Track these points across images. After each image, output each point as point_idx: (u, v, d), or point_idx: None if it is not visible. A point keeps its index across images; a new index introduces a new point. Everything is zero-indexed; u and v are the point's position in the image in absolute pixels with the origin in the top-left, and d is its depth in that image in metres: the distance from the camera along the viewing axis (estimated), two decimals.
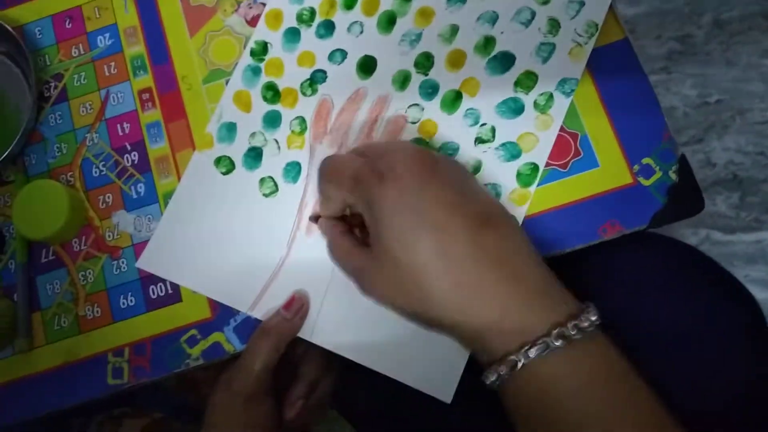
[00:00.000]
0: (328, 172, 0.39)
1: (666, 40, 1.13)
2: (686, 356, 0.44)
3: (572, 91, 0.45)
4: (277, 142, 0.48)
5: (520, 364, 0.32)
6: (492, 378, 0.33)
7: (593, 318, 0.33)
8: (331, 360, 0.47)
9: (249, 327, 0.45)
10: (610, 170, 0.44)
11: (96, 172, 0.48)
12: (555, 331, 0.32)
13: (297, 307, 0.43)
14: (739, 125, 1.10)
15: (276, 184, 0.47)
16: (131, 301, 0.46)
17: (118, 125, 0.49)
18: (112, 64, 0.50)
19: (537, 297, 0.33)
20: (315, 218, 0.45)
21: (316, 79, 0.48)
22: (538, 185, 0.44)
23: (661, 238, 0.49)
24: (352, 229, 0.41)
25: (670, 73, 1.10)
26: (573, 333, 0.32)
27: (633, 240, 0.45)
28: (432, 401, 0.50)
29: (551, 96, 0.45)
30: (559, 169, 0.45)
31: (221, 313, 0.45)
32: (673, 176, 0.44)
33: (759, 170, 1.08)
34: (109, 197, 0.48)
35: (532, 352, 0.32)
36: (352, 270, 0.39)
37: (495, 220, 0.35)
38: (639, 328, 0.43)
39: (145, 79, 0.49)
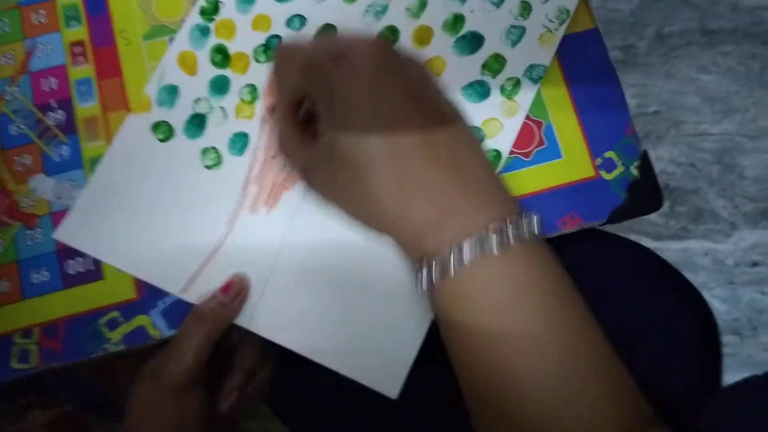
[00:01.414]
0: (283, 53, 0.36)
1: (610, 48, 1.15)
2: (637, 356, 0.43)
3: (540, 78, 0.43)
4: (223, 110, 0.44)
5: (453, 265, 0.30)
6: (423, 280, 0.31)
7: (533, 225, 0.31)
8: (269, 350, 0.43)
9: (180, 311, 0.41)
10: (573, 162, 0.43)
11: (14, 130, 0.43)
12: (492, 228, 0.30)
13: (236, 291, 0.40)
14: (674, 136, 1.13)
15: (220, 156, 0.43)
16: (45, 276, 0.41)
17: (43, 79, 0.43)
18: (42, 11, 0.44)
19: (479, 195, 0.32)
20: (271, 109, 0.41)
21: (271, 45, 0.44)
22: (500, 173, 0.42)
23: (615, 237, 0.48)
24: (305, 125, 0.37)
25: None
26: (510, 235, 0.30)
27: (587, 237, 0.44)
28: (371, 400, 0.47)
29: (518, 81, 0.43)
30: (522, 157, 0.43)
31: (148, 294, 0.41)
32: (635, 172, 0.43)
33: (689, 181, 1.12)
34: (27, 159, 0.42)
35: (466, 250, 0.30)
36: (298, 164, 0.36)
37: (449, 121, 0.33)
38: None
39: (79, 31, 0.44)
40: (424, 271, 0.31)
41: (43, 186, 0.42)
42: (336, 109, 0.32)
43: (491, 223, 0.30)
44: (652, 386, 0.42)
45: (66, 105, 0.43)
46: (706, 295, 0.87)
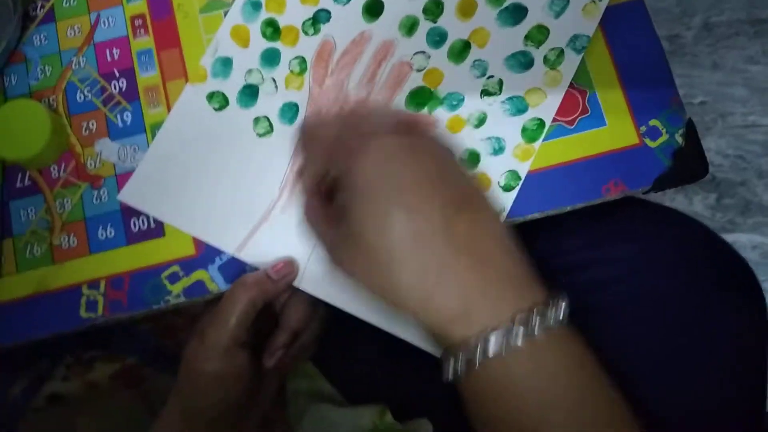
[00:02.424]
0: (308, 135, 0.38)
1: None
2: (675, 323, 0.44)
3: (583, 48, 0.44)
4: (274, 81, 0.46)
5: (477, 358, 0.30)
6: (449, 371, 0.32)
7: (560, 311, 0.31)
8: (316, 309, 0.45)
9: (235, 267, 0.43)
10: (616, 130, 0.43)
11: (80, 98, 0.45)
12: (517, 321, 0.30)
13: (285, 273, 0.42)
14: (721, 128, 1.11)
15: (271, 125, 0.45)
16: (110, 233, 0.43)
17: (108, 50, 0.46)
18: None
19: (503, 285, 0.32)
20: (300, 172, 0.43)
21: (320, 18, 0.46)
22: (543, 141, 0.43)
23: (664, 208, 0.49)
24: (330, 198, 0.38)
25: None
26: (536, 325, 0.30)
27: (637, 205, 0.45)
28: (416, 366, 0.49)
29: (562, 52, 0.44)
30: (565, 125, 0.43)
31: (206, 251, 0.43)
32: (680, 140, 0.43)
33: (737, 173, 1.09)
34: (93, 124, 0.45)
35: (492, 343, 0.30)
36: (321, 241, 0.37)
37: (471, 205, 0.33)
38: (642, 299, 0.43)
39: (139, 5, 0.47)
40: (451, 361, 0.31)
41: (108, 149, 0.45)
42: (357, 198, 0.32)
43: (518, 314, 0.30)
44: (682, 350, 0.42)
45: (128, 74, 0.46)
46: None
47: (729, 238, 1.06)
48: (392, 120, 0.35)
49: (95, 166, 0.44)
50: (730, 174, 1.10)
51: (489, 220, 0.33)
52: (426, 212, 0.32)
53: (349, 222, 0.33)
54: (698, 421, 0.42)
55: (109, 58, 0.46)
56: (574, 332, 0.32)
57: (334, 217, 0.35)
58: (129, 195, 0.44)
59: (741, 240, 1.08)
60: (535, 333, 0.30)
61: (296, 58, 0.46)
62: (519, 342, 0.30)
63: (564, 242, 0.48)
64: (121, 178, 0.44)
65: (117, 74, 0.46)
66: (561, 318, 0.31)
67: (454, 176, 0.34)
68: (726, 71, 1.13)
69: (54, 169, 0.44)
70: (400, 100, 0.45)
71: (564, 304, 0.32)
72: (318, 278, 0.43)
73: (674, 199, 1.12)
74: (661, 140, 0.43)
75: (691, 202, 1.11)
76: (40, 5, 0.47)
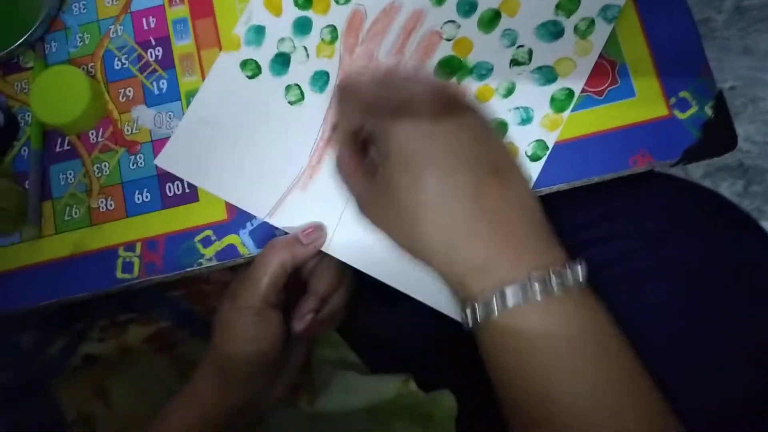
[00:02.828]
0: (348, 89, 0.38)
1: None
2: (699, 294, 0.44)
3: (614, 18, 0.44)
4: (306, 49, 0.46)
5: (496, 308, 0.32)
6: (468, 319, 0.33)
7: (578, 274, 0.32)
8: (344, 274, 0.46)
9: (265, 232, 0.44)
10: (646, 101, 0.43)
11: (118, 65, 0.47)
12: (534, 276, 0.31)
13: (315, 237, 0.42)
14: (751, 113, 1.09)
15: (302, 92, 0.46)
16: (146, 197, 0.44)
17: (144, 19, 0.47)
18: None
19: (524, 245, 0.33)
20: (335, 127, 0.44)
21: None
22: (571, 111, 0.43)
23: (690, 183, 0.48)
24: (364, 148, 0.40)
25: None
26: (553, 284, 0.31)
27: (663, 180, 0.45)
28: (439, 338, 0.49)
29: (593, 21, 0.44)
30: (594, 96, 0.44)
31: (238, 216, 0.44)
32: (709, 112, 0.43)
33: (765, 159, 1.08)
34: (129, 91, 0.46)
35: (509, 295, 0.31)
36: (354, 191, 0.38)
37: (502, 171, 0.34)
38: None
39: None
40: (469, 310, 0.33)
41: (145, 116, 0.46)
42: (393, 155, 0.34)
43: (534, 271, 0.31)
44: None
45: (164, 42, 0.47)
46: None
47: None
48: (428, 86, 0.36)
49: (132, 132, 0.46)
50: (759, 160, 1.09)
51: (518, 186, 0.35)
52: (457, 174, 0.33)
53: (382, 177, 0.34)
54: (720, 399, 0.42)
55: (145, 27, 0.47)
56: (593, 295, 0.33)
57: (366, 168, 0.37)
58: (165, 160, 0.45)
59: None
60: (554, 290, 0.31)
61: (327, 26, 0.46)
62: (537, 296, 0.31)
63: (586, 214, 0.48)
64: (157, 144, 0.45)
65: (153, 42, 0.47)
66: (579, 279, 0.32)
67: (488, 143, 0.35)
68: (758, 56, 1.11)
69: (92, 134, 0.46)
70: (429, 69, 0.45)
71: (582, 266, 0.33)
72: (346, 243, 0.43)
73: (702, 184, 1.10)
74: (690, 112, 0.43)
75: (718, 188, 1.09)
76: None
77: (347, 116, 0.38)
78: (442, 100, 0.35)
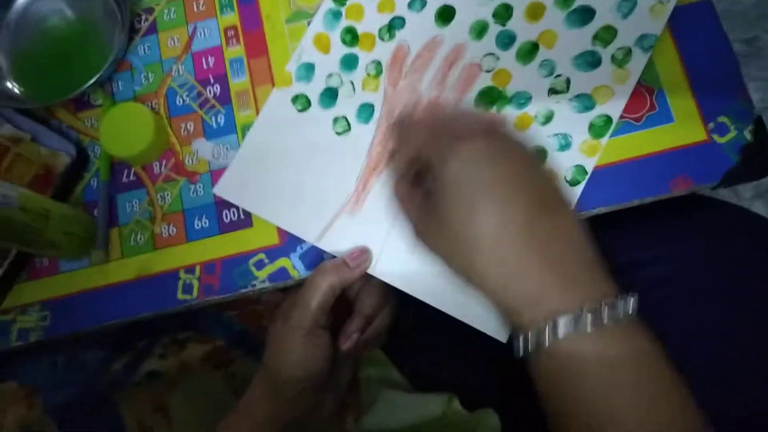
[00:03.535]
0: (407, 120, 0.40)
1: (732, 41, 1.11)
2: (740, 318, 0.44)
3: (651, 47, 0.45)
4: (352, 83, 0.49)
5: (548, 339, 0.32)
6: (519, 348, 0.34)
7: (629, 307, 0.33)
8: (389, 295, 0.48)
9: (314, 256, 0.46)
10: (684, 126, 0.44)
11: (179, 101, 0.50)
12: (586, 308, 0.32)
13: (361, 261, 0.44)
14: None
15: (349, 124, 0.48)
16: (205, 223, 0.48)
17: (203, 58, 0.51)
18: (201, 1, 0.52)
19: (575, 280, 0.34)
20: (392, 154, 0.46)
21: (395, 25, 0.49)
22: (610, 137, 0.45)
23: (736, 207, 0.49)
24: (421, 176, 0.41)
25: None
26: (605, 316, 0.32)
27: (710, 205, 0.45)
28: (483, 358, 0.50)
29: (630, 51, 0.45)
30: (633, 122, 0.45)
31: (289, 240, 0.47)
32: (748, 136, 0.43)
33: None
34: (190, 125, 0.50)
35: (561, 325, 0.32)
36: (408, 217, 0.40)
37: (551, 206, 0.35)
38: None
39: (231, 17, 0.51)
40: (521, 339, 0.34)
41: (204, 148, 0.49)
42: (448, 185, 0.35)
43: (586, 302, 0.32)
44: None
45: (222, 80, 0.50)
46: None
47: None
48: (481, 123, 0.38)
49: (192, 163, 0.49)
50: None
51: (567, 220, 0.35)
52: (509, 210, 0.34)
53: (437, 208, 0.36)
54: (759, 421, 0.42)
55: (204, 66, 0.51)
56: (644, 327, 0.33)
57: (422, 197, 0.38)
58: (222, 189, 0.48)
59: None
60: (604, 321, 0.32)
61: (373, 62, 0.49)
62: (588, 328, 0.32)
63: (632, 238, 0.49)
64: (215, 174, 0.48)
65: (212, 80, 0.50)
66: (630, 311, 0.33)
67: (538, 177, 0.36)
68: None
69: (156, 165, 0.49)
70: (469, 100, 0.47)
71: (633, 299, 0.33)
72: (391, 266, 0.45)
73: (753, 206, 1.09)
74: (729, 136, 0.43)
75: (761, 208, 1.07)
76: (144, 18, 0.53)
77: (406, 146, 0.40)
78: (495, 134, 0.36)
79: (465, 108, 0.45)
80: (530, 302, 0.33)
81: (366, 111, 0.48)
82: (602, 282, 0.34)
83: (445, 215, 0.35)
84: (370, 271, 0.45)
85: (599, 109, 0.45)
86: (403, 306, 0.49)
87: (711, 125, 0.44)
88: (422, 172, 0.39)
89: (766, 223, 0.48)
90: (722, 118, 0.44)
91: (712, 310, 0.45)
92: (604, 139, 0.45)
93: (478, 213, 0.34)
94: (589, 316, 0.32)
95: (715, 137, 0.44)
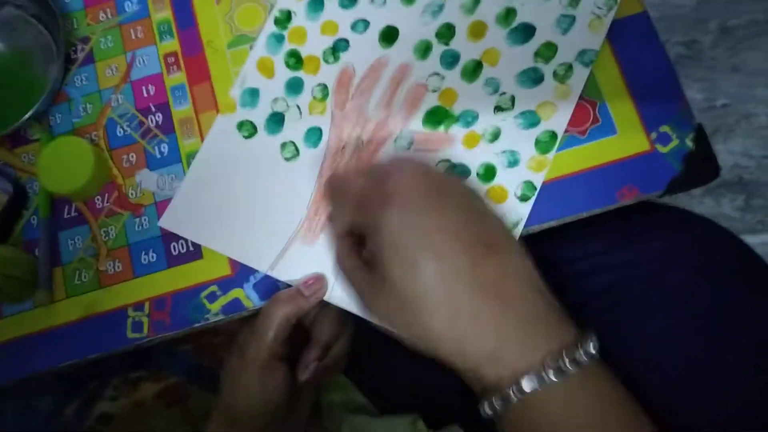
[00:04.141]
0: (334, 192, 0.40)
1: (673, 44, 1.15)
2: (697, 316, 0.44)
3: (591, 61, 0.46)
4: (299, 107, 0.48)
5: (512, 397, 0.32)
6: (486, 410, 0.33)
7: (590, 349, 0.32)
8: (346, 321, 0.47)
9: (268, 285, 0.45)
10: (627, 137, 0.45)
11: (120, 132, 0.49)
12: (547, 362, 0.32)
13: (316, 288, 0.44)
14: (745, 129, 1.11)
15: (297, 149, 0.48)
16: (152, 257, 0.46)
17: (143, 87, 0.50)
18: (139, 28, 0.51)
19: (533, 326, 0.33)
20: (330, 217, 0.45)
21: (339, 47, 0.49)
22: (556, 151, 0.45)
23: (681, 210, 0.49)
24: (361, 243, 0.40)
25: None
26: (568, 365, 0.32)
27: (654, 210, 0.46)
28: (445, 373, 0.50)
29: (570, 66, 0.46)
30: (577, 135, 0.45)
31: (241, 270, 0.46)
32: (690, 144, 0.44)
33: (764, 173, 1.09)
34: (132, 156, 0.48)
35: (525, 385, 0.31)
36: (354, 288, 0.39)
37: (497, 247, 0.34)
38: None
39: (171, 44, 0.50)
40: (487, 404, 0.33)
41: (147, 179, 0.48)
42: (385, 246, 0.34)
43: (548, 356, 0.32)
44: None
45: (164, 108, 0.49)
46: None
47: (760, 239, 1.06)
48: (411, 172, 0.36)
49: (136, 195, 0.48)
50: (757, 174, 1.10)
51: (516, 260, 0.35)
52: (453, 257, 0.33)
53: (380, 270, 0.35)
54: (725, 426, 0.43)
55: (145, 94, 0.49)
56: (606, 367, 0.33)
57: (366, 262, 0.37)
58: (168, 221, 0.47)
59: None
60: (568, 370, 0.31)
61: (318, 85, 0.49)
62: (553, 379, 0.31)
63: (587, 246, 0.49)
64: (161, 206, 0.47)
65: (153, 109, 0.49)
66: (592, 352, 0.32)
67: (479, 218, 0.35)
68: (747, 73, 1.13)
69: (98, 199, 0.48)
70: (417, 120, 0.47)
71: (593, 340, 0.33)
72: (347, 292, 0.45)
73: (702, 203, 1.11)
74: (671, 145, 0.44)
75: (719, 204, 1.10)
76: (80, 47, 0.51)
77: (339, 214, 0.39)
78: (427, 183, 0.35)
79: (395, 158, 0.43)
80: (489, 360, 0.33)
81: (314, 135, 0.48)
82: (560, 322, 0.34)
83: (387, 279, 0.34)
84: (326, 297, 0.45)
85: (544, 125, 0.45)
86: (361, 329, 0.49)
87: (654, 135, 0.45)
88: (363, 237, 0.38)
89: (716, 227, 0.49)
90: (664, 128, 0.45)
91: (673, 315, 0.46)
92: (551, 154, 0.45)
93: (419, 268, 0.33)
94: (551, 371, 0.31)
95: (658, 147, 0.45)
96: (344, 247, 0.39)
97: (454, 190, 0.36)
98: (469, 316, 0.33)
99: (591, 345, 0.33)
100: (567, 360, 0.32)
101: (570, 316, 0.34)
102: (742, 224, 1.08)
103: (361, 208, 0.37)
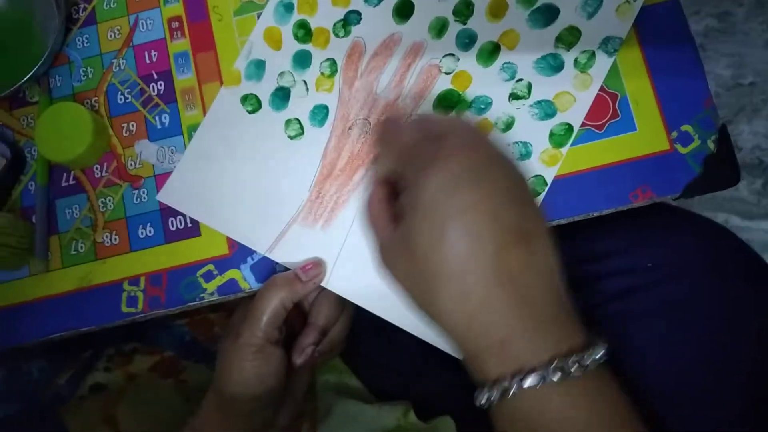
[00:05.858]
0: (385, 136, 0.37)
1: (704, 16, 1.10)
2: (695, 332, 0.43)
3: (616, 50, 0.43)
4: (305, 83, 0.46)
5: (511, 391, 0.31)
6: (482, 400, 0.32)
7: (597, 356, 0.31)
8: (344, 307, 0.46)
9: (265, 267, 0.45)
10: (647, 135, 0.43)
11: (121, 99, 0.47)
12: (554, 364, 0.30)
13: (314, 274, 0.43)
14: None
15: (302, 127, 0.46)
16: (150, 231, 0.45)
17: (146, 53, 0.48)
18: None
19: (544, 325, 0.32)
20: (375, 159, 0.43)
21: (350, 20, 0.47)
22: (571, 145, 0.43)
23: (694, 215, 0.48)
24: (394, 195, 0.37)
25: (705, 51, 1.06)
26: (573, 368, 0.30)
27: (664, 212, 0.44)
28: (441, 363, 0.50)
29: (593, 54, 0.44)
30: (594, 130, 0.43)
31: (239, 250, 0.45)
32: (712, 146, 0.42)
33: None
34: (132, 125, 0.47)
35: (527, 382, 0.30)
36: (375, 239, 0.37)
37: (528, 237, 0.32)
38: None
39: (176, 7, 0.48)
40: (485, 392, 0.32)
41: (147, 150, 0.46)
42: (420, 206, 0.32)
43: (556, 357, 0.30)
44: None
45: (166, 76, 0.47)
46: None
47: None
48: (467, 138, 0.34)
49: (135, 166, 0.46)
50: None
51: (543, 253, 0.33)
52: (482, 238, 0.31)
53: (405, 228, 0.33)
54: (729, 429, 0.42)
55: (147, 61, 0.48)
56: (610, 375, 0.32)
57: (394, 214, 0.36)
58: (167, 195, 0.46)
59: None
60: (572, 373, 0.30)
61: (327, 60, 0.46)
62: (555, 380, 0.30)
63: (595, 248, 0.48)
64: (160, 179, 0.46)
65: (155, 76, 0.47)
66: (598, 360, 0.31)
67: (519, 204, 0.33)
68: None
69: (97, 168, 0.47)
70: (428, 103, 0.45)
71: (602, 348, 0.32)
72: (345, 279, 0.44)
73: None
74: (692, 146, 0.42)
75: (736, 187, 1.08)
76: (82, 7, 0.49)
77: (384, 159, 0.37)
78: (479, 153, 0.33)
79: (455, 119, 0.41)
80: (494, 349, 0.31)
81: (320, 113, 0.46)
82: (571, 325, 0.32)
83: (409, 239, 0.33)
84: (323, 284, 0.44)
85: (560, 117, 0.43)
86: (359, 314, 0.48)
87: (674, 134, 0.43)
88: (398, 188, 0.36)
89: (725, 232, 0.47)
90: (686, 127, 0.43)
91: (678, 320, 0.45)
92: (565, 149, 0.43)
93: (446, 238, 0.31)
94: (558, 373, 0.30)
95: (678, 147, 0.43)
96: (378, 194, 0.37)
97: (504, 170, 0.34)
98: (480, 302, 0.31)
99: (600, 353, 0.32)
100: (574, 365, 0.31)
101: (580, 318, 0.33)
102: (757, 208, 1.06)
103: (407, 161, 0.35)
